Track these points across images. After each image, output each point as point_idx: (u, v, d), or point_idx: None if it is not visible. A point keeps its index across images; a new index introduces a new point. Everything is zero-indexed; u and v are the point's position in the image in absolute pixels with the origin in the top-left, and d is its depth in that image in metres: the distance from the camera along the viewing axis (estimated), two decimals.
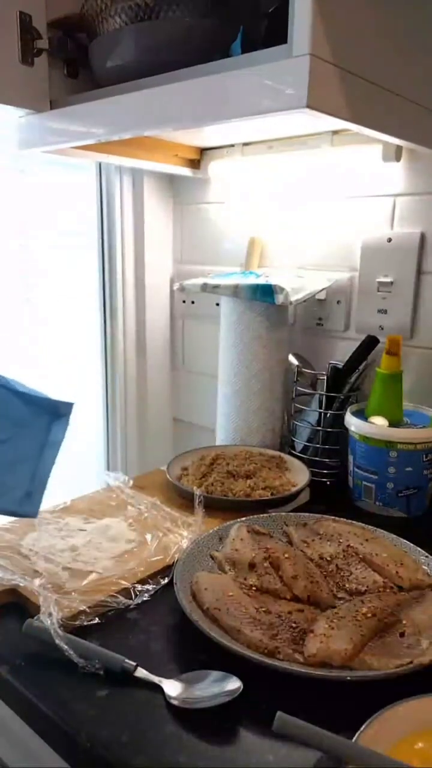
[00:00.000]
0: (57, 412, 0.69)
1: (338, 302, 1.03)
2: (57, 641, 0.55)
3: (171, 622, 0.62)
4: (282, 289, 0.91)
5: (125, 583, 0.65)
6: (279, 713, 0.44)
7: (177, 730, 0.49)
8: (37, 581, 0.64)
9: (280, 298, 0.91)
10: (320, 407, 0.96)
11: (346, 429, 0.91)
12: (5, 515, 0.69)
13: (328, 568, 0.69)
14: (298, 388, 1.01)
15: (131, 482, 0.90)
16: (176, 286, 1.05)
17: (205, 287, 0.99)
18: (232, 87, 0.63)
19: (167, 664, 0.56)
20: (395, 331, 0.96)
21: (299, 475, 0.92)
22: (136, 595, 0.65)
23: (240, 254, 1.14)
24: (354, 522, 0.78)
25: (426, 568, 0.69)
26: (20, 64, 0.81)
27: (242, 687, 0.51)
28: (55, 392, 0.71)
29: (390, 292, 0.96)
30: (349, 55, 0.60)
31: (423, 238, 0.92)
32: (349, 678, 0.52)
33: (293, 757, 0.47)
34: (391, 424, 0.87)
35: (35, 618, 0.58)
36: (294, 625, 0.58)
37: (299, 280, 0.98)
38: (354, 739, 0.44)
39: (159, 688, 0.52)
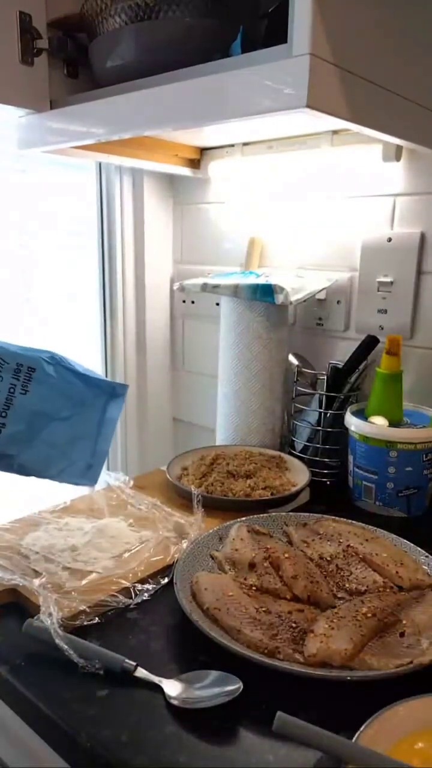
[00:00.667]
0: (114, 393, 0.75)
1: (338, 302, 1.03)
2: (57, 641, 0.55)
3: (171, 622, 0.62)
4: (282, 289, 0.91)
5: (125, 583, 0.65)
6: (279, 713, 0.44)
7: (177, 730, 0.49)
8: (37, 581, 0.64)
9: (280, 298, 0.91)
10: (320, 407, 0.96)
11: (346, 429, 0.91)
12: (69, 484, 0.75)
13: (328, 568, 0.69)
14: (298, 388, 1.01)
15: (131, 482, 0.90)
16: (176, 286, 1.05)
17: (205, 287, 0.99)
18: (232, 87, 0.63)
19: (167, 664, 0.56)
20: (395, 331, 0.96)
21: (299, 475, 0.92)
22: (136, 595, 0.65)
23: (240, 254, 1.14)
24: (354, 522, 0.78)
25: (426, 568, 0.69)
26: (20, 64, 0.81)
27: (242, 687, 0.51)
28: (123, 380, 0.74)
29: (390, 292, 0.96)
30: (349, 55, 0.60)
31: (423, 238, 0.92)
32: (349, 678, 0.52)
33: (293, 757, 0.47)
34: (391, 424, 0.87)
35: (35, 618, 0.58)
36: (294, 625, 0.58)
37: (299, 280, 0.98)
38: (354, 739, 0.44)
39: (159, 688, 0.52)
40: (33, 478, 0.71)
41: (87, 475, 0.74)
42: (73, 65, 0.89)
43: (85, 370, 0.74)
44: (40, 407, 0.69)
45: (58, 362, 0.71)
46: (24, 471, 0.71)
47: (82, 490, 0.90)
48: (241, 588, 0.64)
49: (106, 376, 1.28)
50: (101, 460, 0.75)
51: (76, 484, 0.75)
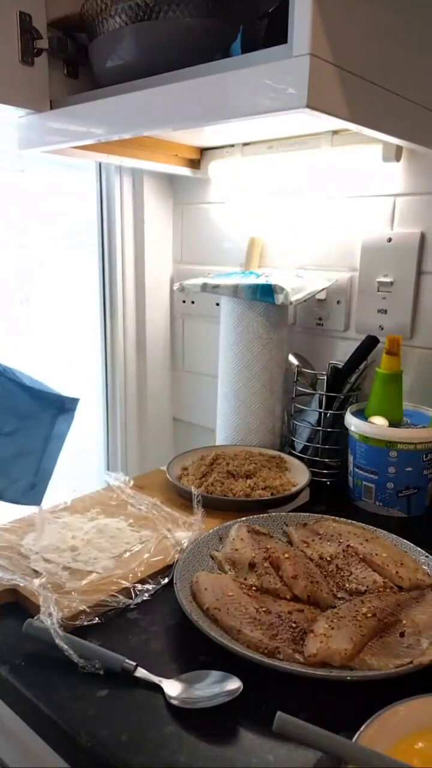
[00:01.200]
0: (62, 407, 0.70)
1: (338, 302, 1.03)
2: (57, 641, 0.55)
3: (171, 622, 0.62)
4: (282, 289, 0.91)
5: (125, 583, 0.65)
6: (279, 713, 0.44)
7: (177, 730, 0.49)
8: (37, 581, 0.64)
9: (280, 298, 0.91)
10: (320, 407, 0.97)
11: (346, 429, 0.91)
12: (10, 503, 0.71)
13: (328, 568, 0.69)
14: (298, 388, 1.01)
15: (131, 482, 0.90)
16: (176, 286, 1.05)
17: (205, 287, 0.99)
18: (232, 87, 0.63)
19: (167, 664, 0.56)
20: (395, 331, 0.96)
21: (299, 475, 0.92)
22: (136, 595, 0.65)
23: (240, 254, 1.14)
24: (354, 522, 0.78)
25: (426, 568, 0.69)
26: (20, 64, 0.81)
27: (242, 687, 0.51)
28: (73, 393, 0.72)
29: (390, 292, 0.96)
30: (349, 55, 0.60)
31: (423, 238, 0.92)
32: (349, 678, 0.52)
33: (293, 757, 0.47)
34: (391, 424, 0.87)
35: (35, 618, 0.58)
36: (294, 625, 0.58)
37: (299, 280, 0.98)
38: (354, 739, 0.44)
39: (159, 688, 0.52)
40: None
41: (29, 495, 0.70)
42: (73, 65, 0.89)
43: (32, 382, 0.69)
44: None
45: (1, 373, 0.67)
46: None
47: (82, 490, 0.90)
48: (241, 588, 0.64)
49: (106, 376, 1.28)
50: (46, 479, 0.70)
51: (17, 503, 0.71)
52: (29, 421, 0.68)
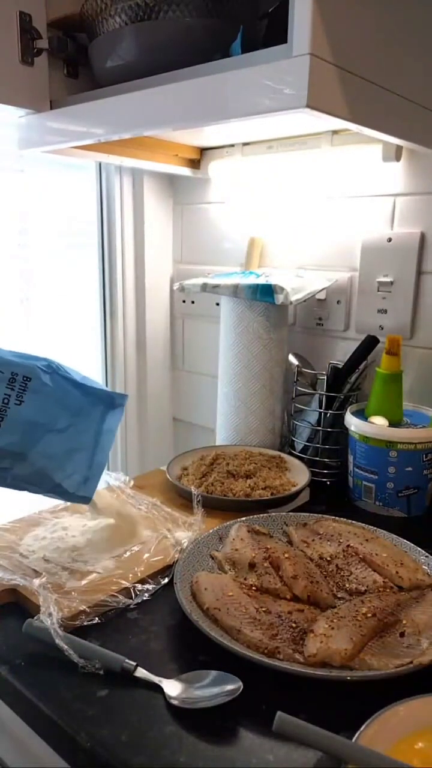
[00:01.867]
0: (112, 403, 0.73)
1: (338, 302, 1.03)
2: (57, 641, 0.55)
3: (171, 622, 0.62)
4: (282, 289, 0.91)
5: (125, 583, 0.65)
6: (279, 713, 0.44)
7: (177, 730, 0.49)
8: (37, 581, 0.64)
9: (280, 298, 0.91)
10: (320, 407, 0.97)
11: (346, 429, 0.91)
12: (62, 499, 0.73)
13: (328, 568, 0.69)
14: (298, 388, 1.01)
15: (131, 482, 0.90)
16: (176, 286, 1.05)
17: (205, 287, 0.99)
18: (232, 87, 0.63)
19: (167, 664, 0.56)
20: (395, 331, 0.96)
21: (299, 475, 0.92)
22: (136, 595, 0.65)
23: (240, 254, 1.14)
24: (354, 522, 0.78)
25: (426, 568, 0.69)
26: (20, 64, 0.81)
27: (242, 687, 0.51)
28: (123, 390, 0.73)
29: (390, 292, 0.96)
30: (349, 55, 0.60)
31: (423, 238, 0.92)
32: (349, 678, 0.52)
33: (293, 757, 0.47)
34: (391, 424, 0.87)
35: (35, 618, 0.58)
36: (294, 625, 0.58)
37: (299, 280, 0.98)
38: (354, 739, 0.44)
39: (159, 688, 0.52)
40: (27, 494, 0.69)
41: (83, 489, 0.71)
42: (73, 65, 0.89)
43: (82, 379, 0.71)
44: (36, 418, 0.66)
45: (54, 371, 0.68)
46: (18, 485, 0.68)
47: None
48: (241, 588, 0.64)
49: (106, 376, 1.28)
50: (99, 472, 0.72)
51: (71, 500, 0.72)
52: (81, 417, 0.70)
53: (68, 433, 0.69)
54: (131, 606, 0.64)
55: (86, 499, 0.73)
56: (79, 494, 0.71)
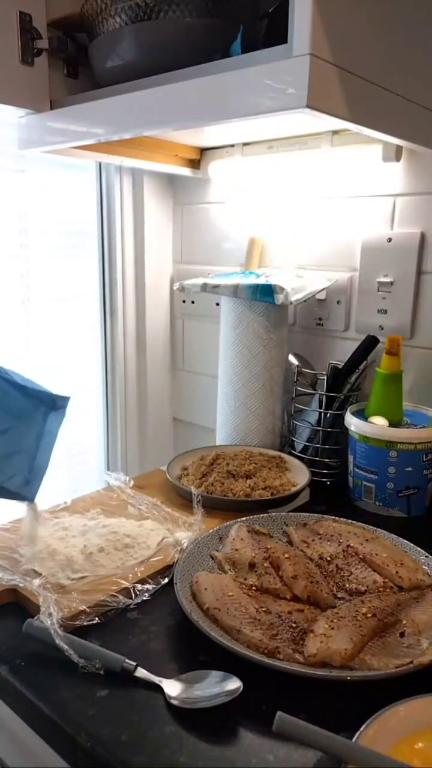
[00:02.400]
0: (54, 405, 0.71)
1: (338, 302, 1.03)
2: (57, 641, 0.55)
3: (171, 622, 0.62)
4: (282, 289, 0.91)
5: (125, 583, 0.65)
6: (279, 713, 0.44)
7: (177, 730, 0.49)
8: (37, 581, 0.64)
9: (280, 298, 0.91)
10: (320, 407, 0.97)
11: (346, 429, 0.91)
12: (3, 497, 0.71)
13: (328, 568, 0.69)
14: (298, 388, 1.01)
15: (131, 482, 0.90)
16: (176, 286, 1.05)
17: (205, 287, 0.99)
18: (232, 87, 0.63)
19: (167, 664, 0.56)
20: (395, 331, 0.96)
21: (299, 475, 0.92)
22: (136, 595, 0.65)
23: (240, 254, 1.14)
24: (354, 522, 0.78)
25: (426, 568, 0.69)
26: (20, 64, 0.81)
27: (242, 687, 0.51)
28: (64, 391, 0.73)
29: (390, 292, 0.96)
30: (349, 55, 0.60)
31: (423, 238, 0.92)
32: (349, 678, 0.52)
33: (293, 757, 0.47)
34: (391, 424, 0.87)
35: (35, 618, 0.58)
36: (294, 625, 0.58)
37: (299, 280, 0.98)
38: (354, 739, 0.44)
39: (159, 688, 0.52)
40: None
41: (24, 490, 0.70)
42: (73, 65, 0.89)
43: (23, 381, 0.70)
44: None
45: None
46: None
47: (82, 490, 0.90)
48: (241, 588, 0.64)
49: (106, 376, 1.28)
50: (40, 475, 0.71)
51: (11, 499, 0.71)
52: (21, 419, 0.69)
53: (8, 435, 0.68)
54: (131, 606, 0.64)
55: (28, 500, 0.72)
56: (19, 496, 0.71)
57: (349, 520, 0.78)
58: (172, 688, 0.52)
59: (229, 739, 0.48)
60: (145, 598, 0.65)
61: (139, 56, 0.76)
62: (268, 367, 1.00)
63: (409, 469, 0.85)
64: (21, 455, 0.69)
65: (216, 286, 0.98)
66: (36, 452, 0.70)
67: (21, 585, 0.64)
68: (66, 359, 1.20)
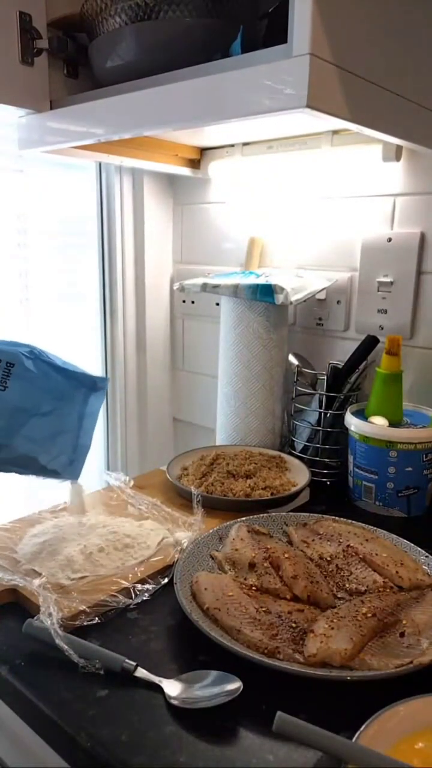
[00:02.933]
0: (94, 386, 0.74)
1: (338, 302, 1.03)
2: (57, 641, 0.55)
3: (171, 622, 0.62)
4: (282, 289, 0.91)
5: (125, 583, 0.65)
6: (279, 713, 0.44)
7: (177, 730, 0.49)
8: (36, 581, 0.64)
9: (280, 298, 0.91)
10: (320, 407, 0.97)
11: (346, 429, 0.91)
12: (51, 479, 0.74)
13: (328, 568, 0.69)
14: (298, 388, 1.01)
15: (131, 482, 0.90)
16: (176, 286, 1.05)
17: (205, 287, 0.99)
18: (232, 87, 0.63)
19: (167, 664, 0.56)
20: (395, 331, 0.96)
21: (299, 475, 0.92)
22: (136, 595, 0.65)
23: (240, 254, 1.14)
24: (354, 522, 0.78)
25: (426, 568, 0.69)
26: (20, 64, 0.81)
27: (242, 687, 0.51)
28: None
29: (390, 292, 0.96)
30: (349, 55, 0.60)
31: (423, 238, 0.92)
32: (349, 678, 0.52)
33: (293, 757, 0.47)
34: (391, 424, 0.87)
35: (35, 618, 0.58)
36: (294, 625, 0.58)
37: (299, 280, 0.98)
38: (354, 739, 0.44)
39: (159, 688, 0.52)
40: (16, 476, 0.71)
41: (68, 470, 0.74)
42: (73, 65, 0.89)
43: (64, 364, 0.73)
44: (20, 403, 0.68)
45: (37, 356, 0.70)
46: (4, 468, 0.70)
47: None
48: (241, 588, 0.64)
49: (106, 376, 1.28)
50: (83, 454, 0.75)
51: (58, 478, 0.74)
52: (64, 401, 0.72)
53: (52, 416, 0.71)
54: (131, 606, 0.64)
55: (73, 479, 0.75)
56: (65, 476, 0.74)
57: (349, 520, 0.78)
58: (172, 688, 0.52)
59: (229, 739, 0.48)
60: (145, 598, 0.65)
61: (139, 56, 0.76)
62: (268, 367, 1.00)
63: (409, 469, 0.85)
64: (65, 435, 0.72)
65: (216, 286, 0.98)
66: (79, 432, 0.73)
67: (21, 585, 0.64)
68: (66, 359, 1.20)
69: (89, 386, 0.74)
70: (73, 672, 0.54)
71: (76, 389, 0.73)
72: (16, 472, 0.71)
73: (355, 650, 0.55)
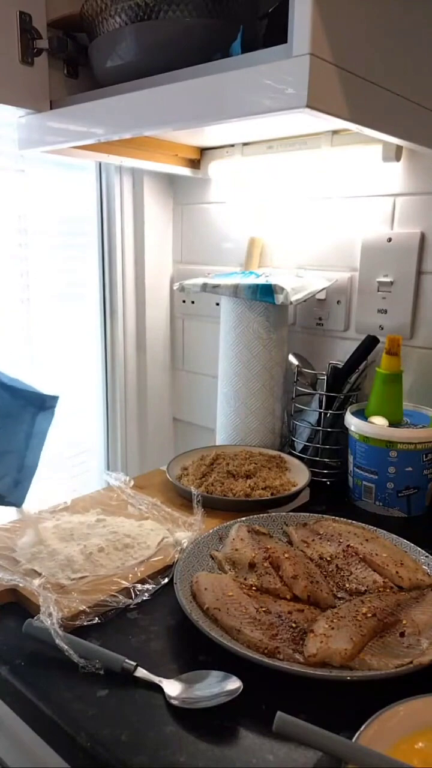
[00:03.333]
0: (43, 405, 0.71)
1: (338, 302, 1.03)
2: (57, 641, 0.55)
3: (171, 622, 0.62)
4: (282, 289, 0.91)
5: (125, 583, 0.65)
6: (279, 713, 0.44)
7: (177, 730, 0.49)
8: (37, 581, 0.64)
9: (280, 298, 0.91)
10: (320, 407, 0.97)
11: (346, 429, 0.91)
12: None
13: (328, 568, 0.69)
14: (298, 388, 1.01)
15: (131, 482, 0.90)
16: (176, 286, 1.05)
17: (205, 287, 0.99)
18: (232, 87, 0.63)
19: (167, 664, 0.56)
20: (395, 331, 0.96)
21: (299, 475, 0.92)
22: (136, 595, 0.65)
23: (240, 254, 1.14)
24: (354, 522, 0.78)
25: (426, 568, 0.69)
26: (20, 64, 0.81)
27: (242, 687, 0.51)
28: (54, 390, 0.72)
29: (390, 292, 0.96)
30: (349, 55, 0.60)
31: (423, 238, 0.92)
32: (349, 678, 0.52)
33: (293, 757, 0.47)
34: (391, 424, 0.87)
35: (35, 618, 0.58)
36: (294, 625, 0.58)
37: (299, 280, 0.98)
38: (354, 739, 0.44)
39: (159, 688, 0.52)
40: None
41: (14, 492, 0.70)
42: (73, 65, 0.89)
43: (11, 381, 0.70)
44: None
45: None
46: None
47: (82, 490, 0.90)
48: (241, 588, 0.64)
49: (106, 376, 1.28)
50: (30, 476, 0.71)
51: (2, 503, 0.71)
52: (10, 419, 0.69)
53: None
54: (131, 606, 0.64)
55: (17, 504, 0.71)
56: (9, 499, 0.70)
57: (349, 520, 0.78)
58: (172, 688, 0.52)
59: (229, 739, 0.48)
60: (145, 598, 0.65)
61: (139, 56, 0.76)
62: (268, 367, 1.00)
63: (409, 469, 0.85)
64: (10, 456, 0.69)
65: (216, 286, 0.98)
66: (26, 452, 0.70)
67: (21, 585, 0.64)
68: (66, 359, 1.20)
69: (38, 405, 0.71)
70: (73, 672, 0.54)
71: (24, 408, 0.70)
72: None
73: (355, 650, 0.55)
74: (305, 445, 1.00)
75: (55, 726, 0.50)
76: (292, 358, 1.02)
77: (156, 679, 0.53)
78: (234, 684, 0.52)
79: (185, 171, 1.12)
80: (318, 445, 0.98)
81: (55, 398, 0.72)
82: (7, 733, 0.63)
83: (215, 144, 1.09)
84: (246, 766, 0.46)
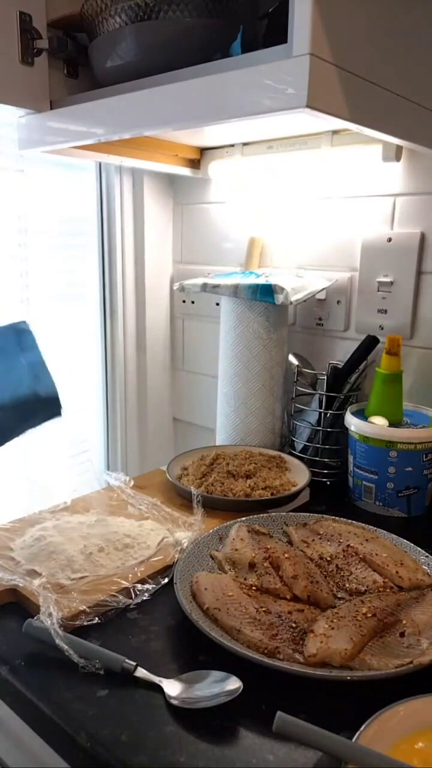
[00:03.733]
0: (18, 330, 0.70)
1: (338, 302, 1.03)
2: (57, 641, 0.55)
3: (171, 622, 0.62)
4: (282, 289, 0.91)
5: (125, 583, 0.65)
6: (279, 713, 0.44)
7: (177, 730, 0.49)
8: (37, 581, 0.64)
9: (280, 298, 0.91)
10: (320, 407, 0.96)
11: (346, 429, 0.91)
12: (38, 409, 0.68)
13: (328, 568, 0.69)
14: (298, 388, 1.01)
15: (131, 482, 0.90)
16: (176, 286, 1.05)
17: (205, 287, 0.99)
18: (232, 87, 0.63)
19: (167, 664, 0.56)
20: (395, 331, 0.96)
21: (299, 475, 0.92)
22: (136, 595, 0.65)
23: (240, 254, 1.14)
24: (354, 522, 0.78)
25: (426, 568, 0.69)
26: (20, 64, 0.81)
27: (242, 687, 0.51)
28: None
29: (390, 292, 0.96)
30: (349, 55, 0.60)
31: (423, 238, 0.92)
32: (349, 678, 0.52)
33: (293, 757, 0.47)
34: (391, 424, 0.87)
35: (35, 618, 0.58)
36: (294, 625, 0.58)
37: (299, 280, 0.98)
38: (354, 739, 0.44)
39: (159, 688, 0.52)
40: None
41: (41, 385, 0.68)
42: (73, 65, 0.89)
43: None
44: None
45: None
46: None
47: (82, 490, 0.90)
48: (241, 588, 0.64)
49: (106, 376, 1.28)
50: (41, 365, 0.70)
51: (45, 406, 0.68)
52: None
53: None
54: (131, 606, 0.64)
55: (50, 391, 0.69)
56: (42, 393, 0.68)
57: (349, 520, 0.78)
58: (172, 688, 0.52)
59: (229, 739, 0.48)
60: (145, 598, 0.65)
61: (139, 56, 0.76)
62: (268, 367, 1.00)
63: (409, 469, 0.85)
64: (14, 372, 0.68)
65: (216, 286, 0.98)
66: (22, 354, 0.69)
67: (21, 585, 0.64)
68: (66, 359, 1.20)
69: (14, 333, 0.70)
70: (73, 672, 0.54)
71: (6, 339, 0.69)
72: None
73: (355, 650, 0.55)
74: (305, 445, 1.00)
75: (55, 726, 0.50)
76: (292, 358, 1.02)
77: (156, 679, 0.53)
78: (234, 684, 0.52)
79: (185, 171, 1.12)
80: (318, 445, 0.98)
81: (23, 321, 0.71)
82: (7, 733, 0.63)
83: (215, 144, 1.09)
84: (246, 766, 0.46)
